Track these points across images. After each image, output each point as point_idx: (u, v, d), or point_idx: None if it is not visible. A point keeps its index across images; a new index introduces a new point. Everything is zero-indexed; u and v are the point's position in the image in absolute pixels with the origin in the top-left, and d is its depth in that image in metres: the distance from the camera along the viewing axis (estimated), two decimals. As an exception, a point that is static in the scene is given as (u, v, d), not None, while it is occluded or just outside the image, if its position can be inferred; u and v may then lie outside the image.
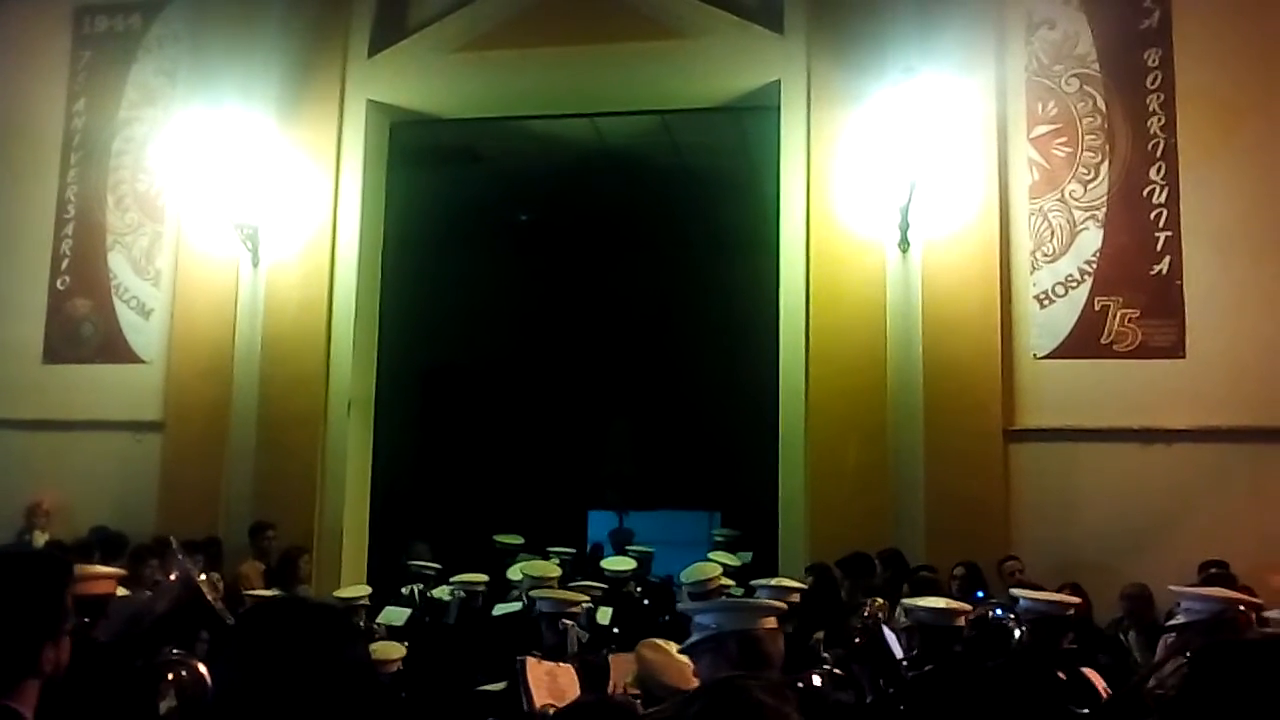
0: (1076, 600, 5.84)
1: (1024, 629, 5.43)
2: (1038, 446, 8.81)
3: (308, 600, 4.31)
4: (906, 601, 5.51)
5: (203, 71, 10.35)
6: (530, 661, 4.53)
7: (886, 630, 5.29)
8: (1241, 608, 4.58)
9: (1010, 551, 8.42)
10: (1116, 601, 7.67)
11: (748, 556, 9.49)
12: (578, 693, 4.42)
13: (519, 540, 9.93)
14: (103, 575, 4.70)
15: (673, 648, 4.15)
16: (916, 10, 9.26)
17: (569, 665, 4.68)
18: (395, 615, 7.97)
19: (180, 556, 4.62)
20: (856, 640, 5.18)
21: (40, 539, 9.23)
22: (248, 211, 10.00)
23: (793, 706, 2.20)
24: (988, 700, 4.74)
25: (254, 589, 8.02)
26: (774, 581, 6.35)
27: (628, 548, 10.16)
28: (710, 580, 7.25)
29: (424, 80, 10.34)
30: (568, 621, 6.01)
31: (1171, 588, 5.09)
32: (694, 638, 3.61)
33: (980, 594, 6.53)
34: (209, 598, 4.28)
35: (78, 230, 10.77)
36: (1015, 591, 5.88)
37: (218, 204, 10.05)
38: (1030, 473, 8.75)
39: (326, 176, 10.15)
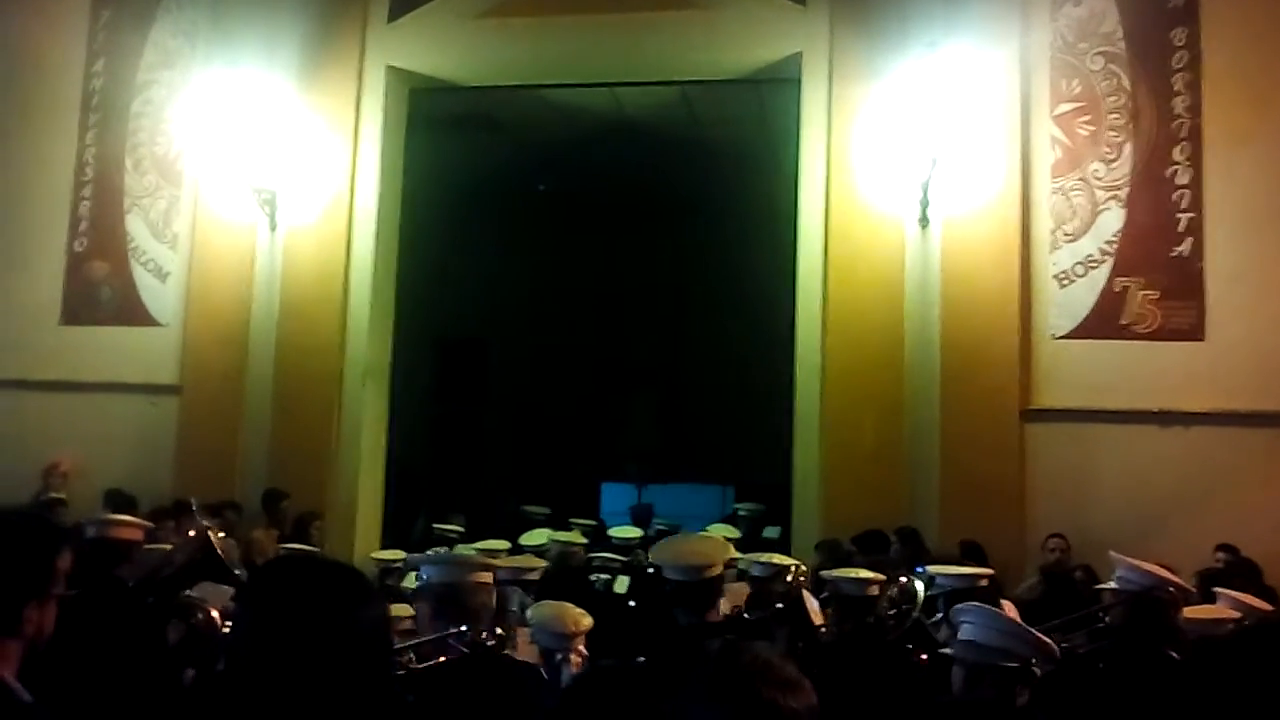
0: (988, 572, 5.97)
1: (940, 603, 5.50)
2: (1054, 427, 8.77)
3: (324, 559, 4.46)
4: (825, 572, 5.61)
5: (222, 34, 10.33)
6: None
7: (807, 596, 5.36)
8: (1171, 589, 4.70)
9: (1024, 531, 8.45)
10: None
11: (775, 531, 9.50)
12: None
13: (546, 511, 9.99)
14: (131, 523, 5.40)
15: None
16: (941, -16, 9.18)
17: None
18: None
19: (198, 517, 5.06)
20: (778, 605, 5.26)
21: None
22: (266, 176, 10.00)
23: (794, 667, 2.21)
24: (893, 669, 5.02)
25: (266, 555, 8.06)
26: (763, 557, 6.40)
27: (655, 522, 10.20)
28: None
29: (444, 47, 10.29)
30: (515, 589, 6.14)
31: (1111, 554, 5.16)
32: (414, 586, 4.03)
33: (920, 569, 6.55)
34: (220, 553, 4.74)
35: (95, 192, 10.77)
36: (932, 569, 5.97)
37: (236, 168, 10.04)
38: (1046, 453, 8.72)
39: (345, 142, 10.13)
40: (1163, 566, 6.88)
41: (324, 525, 9.22)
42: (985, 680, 3.81)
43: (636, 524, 10.28)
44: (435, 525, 9.38)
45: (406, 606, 6.27)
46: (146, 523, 5.71)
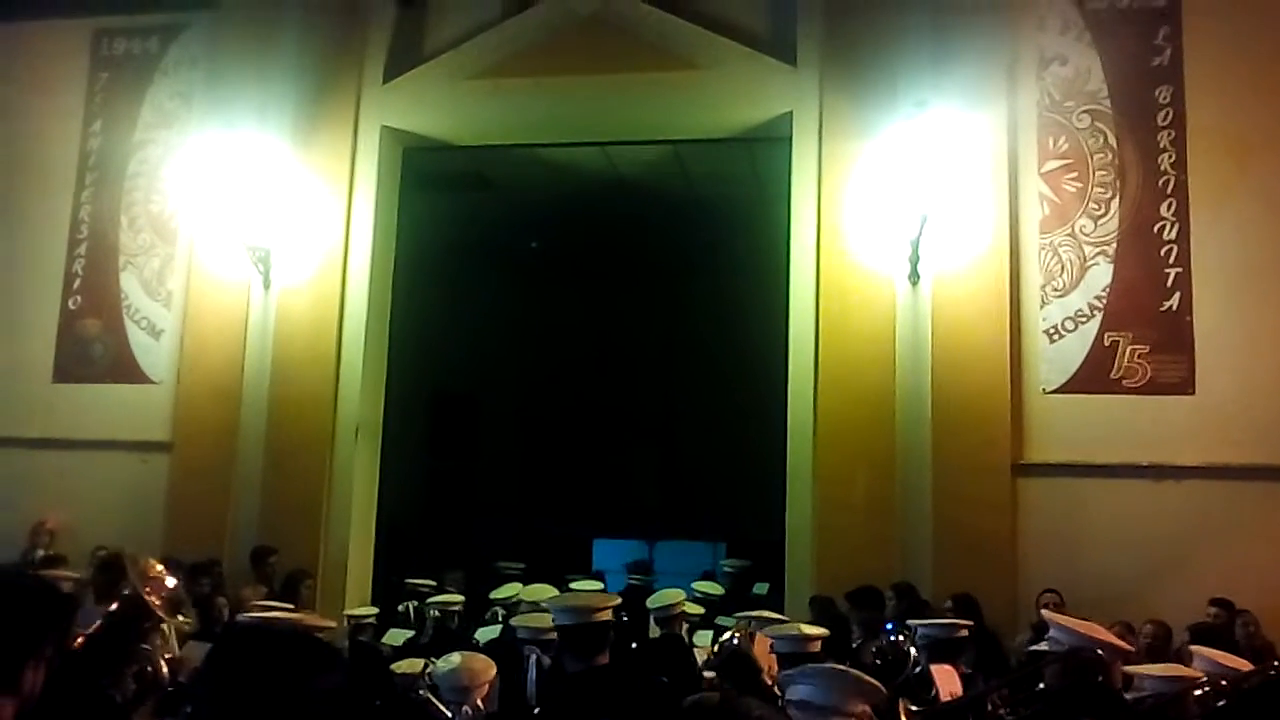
0: (968, 623, 5.95)
1: (922, 654, 5.48)
2: (1046, 482, 8.78)
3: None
4: (770, 630, 5.58)
5: (218, 95, 10.43)
6: None
7: (762, 650, 5.34)
8: (1100, 651, 4.47)
9: (1017, 586, 8.42)
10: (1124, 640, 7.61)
11: (764, 588, 9.50)
12: None
13: (520, 566, 9.99)
14: (63, 578, 5.48)
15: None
16: (929, 45, 9.30)
17: None
18: (400, 636, 8.04)
19: (130, 574, 5.00)
20: (716, 660, 5.28)
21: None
22: (260, 234, 10.05)
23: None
24: None
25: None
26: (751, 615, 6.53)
27: (628, 578, 10.20)
28: (672, 606, 7.41)
29: (438, 107, 10.39)
30: (534, 648, 6.15)
31: (1043, 612, 5.12)
32: None
33: (890, 626, 6.53)
34: (152, 604, 4.47)
35: (90, 250, 10.83)
36: (912, 621, 5.97)
37: (230, 226, 10.10)
38: (1038, 508, 8.71)
39: (339, 201, 10.20)
40: (1154, 622, 6.90)
41: (314, 583, 9.19)
42: None
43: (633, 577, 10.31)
44: (407, 579, 9.39)
45: (416, 661, 6.28)
46: (73, 574, 5.72)
